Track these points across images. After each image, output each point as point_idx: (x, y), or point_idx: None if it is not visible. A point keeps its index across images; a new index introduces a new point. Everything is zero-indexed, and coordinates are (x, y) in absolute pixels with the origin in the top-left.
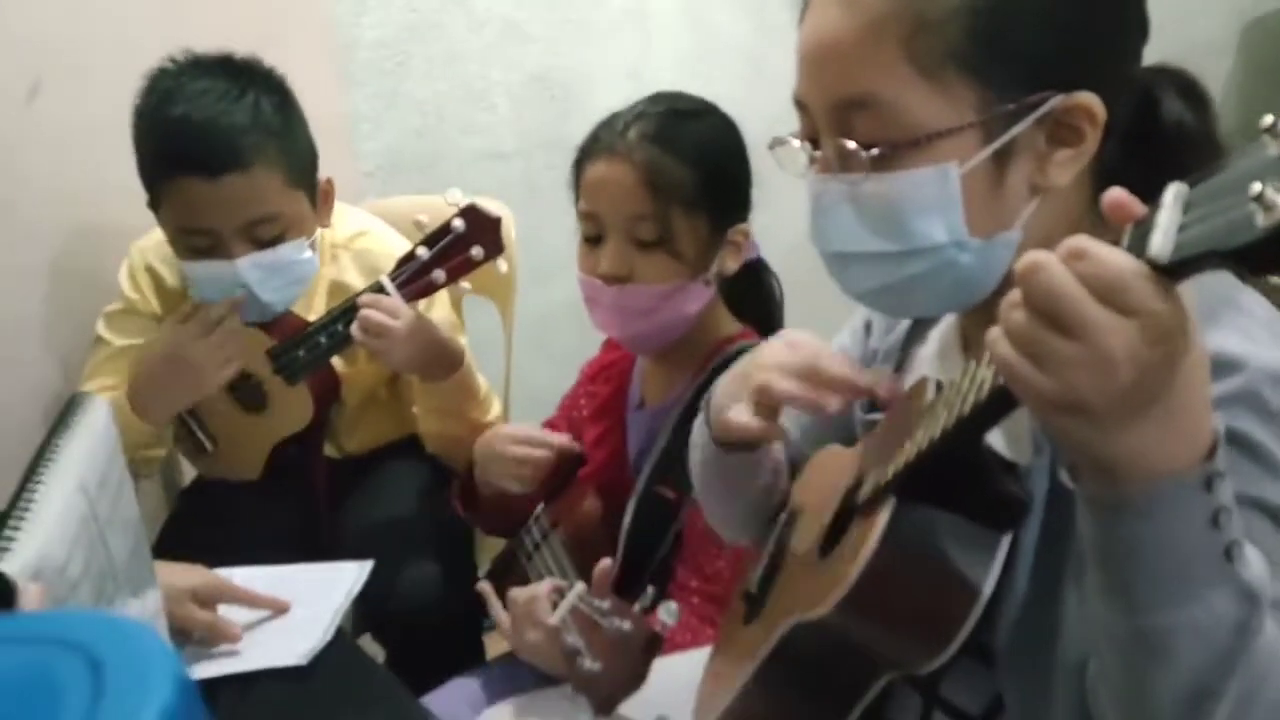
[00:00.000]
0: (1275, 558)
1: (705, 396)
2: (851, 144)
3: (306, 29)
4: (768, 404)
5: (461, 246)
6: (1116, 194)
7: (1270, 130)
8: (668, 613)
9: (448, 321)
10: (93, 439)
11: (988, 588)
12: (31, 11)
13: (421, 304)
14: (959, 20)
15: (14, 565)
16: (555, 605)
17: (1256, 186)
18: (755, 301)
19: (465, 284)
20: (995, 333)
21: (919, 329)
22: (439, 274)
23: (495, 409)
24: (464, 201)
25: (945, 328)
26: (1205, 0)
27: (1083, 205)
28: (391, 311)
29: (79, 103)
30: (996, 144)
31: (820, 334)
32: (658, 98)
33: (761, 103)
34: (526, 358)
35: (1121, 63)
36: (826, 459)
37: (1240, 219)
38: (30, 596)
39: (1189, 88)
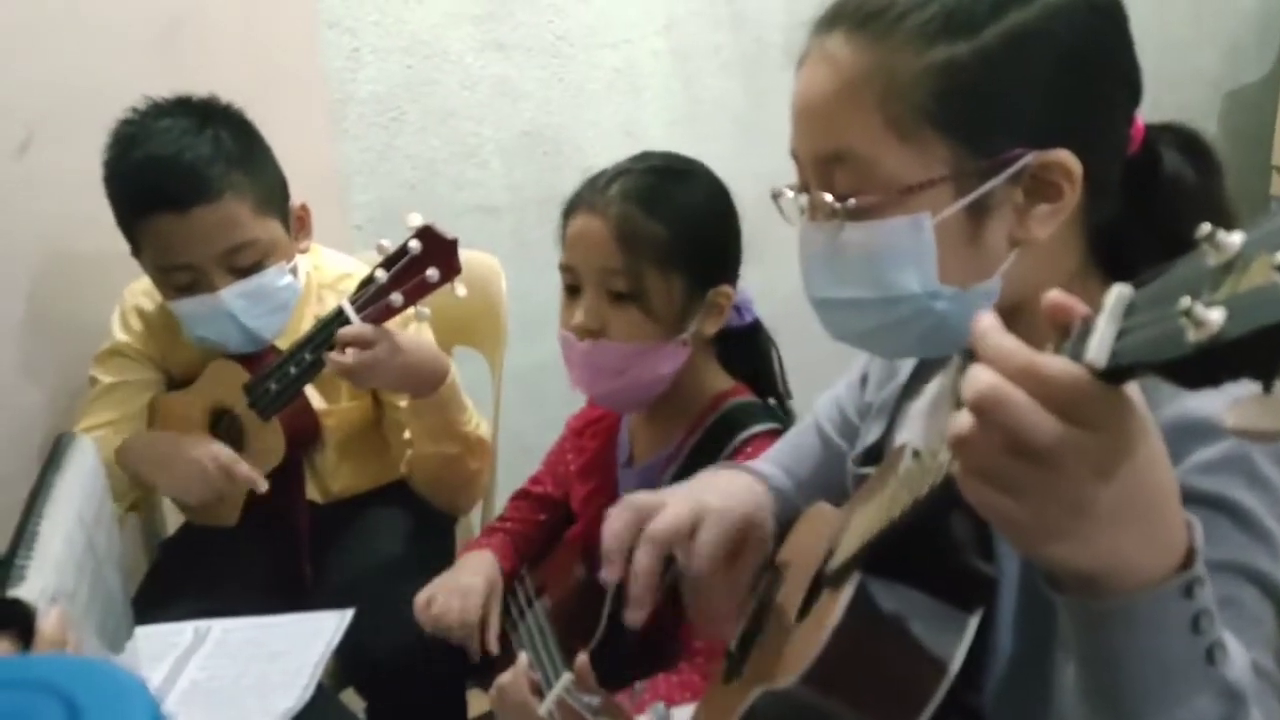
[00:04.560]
0: (1264, 626)
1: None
2: (828, 196)
3: (300, 82)
4: None
5: (417, 268)
6: (1054, 297)
7: (1209, 239)
8: (655, 714)
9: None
10: (84, 476)
11: (955, 665)
12: (24, 65)
13: (411, 329)
14: (927, 82)
15: (32, 591)
16: (537, 691)
17: (1185, 301)
18: (749, 361)
19: (424, 308)
20: (958, 469)
21: (914, 384)
22: (396, 297)
23: (483, 425)
24: (420, 223)
25: (940, 382)
26: (1187, 71)
27: (1075, 261)
28: (366, 344)
29: (71, 155)
30: (970, 198)
31: (814, 383)
32: (643, 156)
33: (753, 162)
34: (516, 411)
35: (1105, 122)
36: (815, 517)
37: (1172, 332)
38: (51, 619)
39: (1190, 143)
